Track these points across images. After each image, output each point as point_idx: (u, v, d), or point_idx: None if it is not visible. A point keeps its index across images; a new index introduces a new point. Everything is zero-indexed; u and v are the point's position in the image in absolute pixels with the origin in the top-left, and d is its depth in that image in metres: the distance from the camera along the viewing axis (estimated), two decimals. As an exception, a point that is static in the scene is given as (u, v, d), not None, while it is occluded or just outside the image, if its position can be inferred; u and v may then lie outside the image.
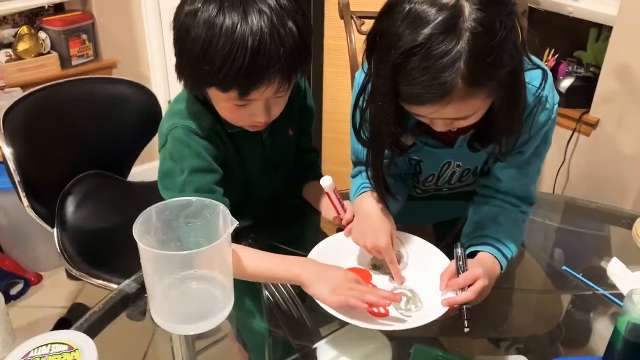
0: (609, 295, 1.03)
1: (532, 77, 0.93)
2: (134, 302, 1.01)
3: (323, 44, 2.23)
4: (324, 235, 1.12)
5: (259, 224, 1.19)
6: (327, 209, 1.14)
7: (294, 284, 0.99)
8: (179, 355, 0.98)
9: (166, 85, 2.63)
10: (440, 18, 0.77)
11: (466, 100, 0.81)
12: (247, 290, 1.02)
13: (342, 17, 1.75)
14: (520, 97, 0.88)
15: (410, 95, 0.82)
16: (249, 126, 1.05)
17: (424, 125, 0.93)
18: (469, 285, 0.91)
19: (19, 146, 1.38)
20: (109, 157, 1.63)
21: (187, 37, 0.92)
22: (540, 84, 0.93)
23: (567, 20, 1.94)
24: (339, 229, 1.11)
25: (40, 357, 0.79)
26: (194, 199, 0.91)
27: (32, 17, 2.26)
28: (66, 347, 0.80)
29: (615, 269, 1.06)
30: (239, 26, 0.88)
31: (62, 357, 0.78)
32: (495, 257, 0.98)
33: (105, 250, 1.45)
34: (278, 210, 1.26)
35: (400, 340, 0.95)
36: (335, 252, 1.05)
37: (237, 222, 0.86)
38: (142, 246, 0.80)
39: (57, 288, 2.12)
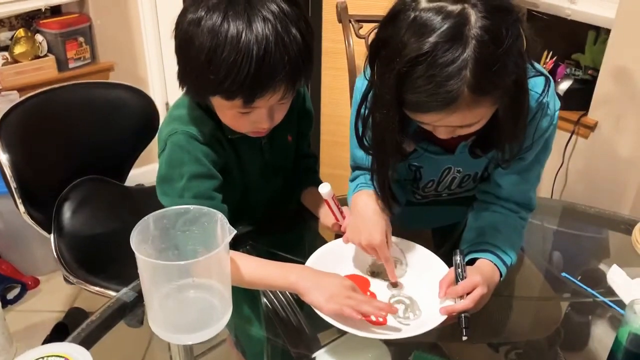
0: (610, 303, 1.03)
1: (535, 84, 0.93)
2: (132, 310, 1.00)
3: (321, 48, 2.22)
4: (323, 241, 1.11)
5: (257, 230, 1.18)
6: (325, 215, 1.14)
7: (291, 292, 0.98)
8: (177, 363, 0.98)
9: (164, 88, 2.63)
10: (445, 26, 0.76)
11: (472, 109, 0.81)
12: (245, 297, 1.02)
13: (340, 21, 1.74)
14: (524, 105, 0.88)
15: (415, 103, 0.82)
16: (252, 132, 1.04)
17: (425, 131, 0.93)
18: (468, 293, 0.91)
19: (15, 152, 1.37)
20: (106, 162, 1.62)
21: (191, 45, 0.91)
22: (543, 91, 0.93)
23: (565, 22, 1.94)
24: (338, 236, 1.10)
25: (37, 371, 0.78)
26: (191, 207, 0.91)
27: (28, 20, 2.25)
28: (62, 360, 0.79)
29: (615, 276, 1.05)
30: (244, 34, 0.88)
31: (58, 370, 0.78)
32: (494, 264, 0.98)
33: (102, 256, 1.44)
34: (276, 216, 1.25)
35: (400, 347, 0.94)
36: (334, 258, 1.05)
37: (235, 231, 0.86)
38: (139, 256, 0.80)
39: (55, 292, 2.11)
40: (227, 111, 0.99)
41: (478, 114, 0.84)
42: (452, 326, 0.90)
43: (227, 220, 0.87)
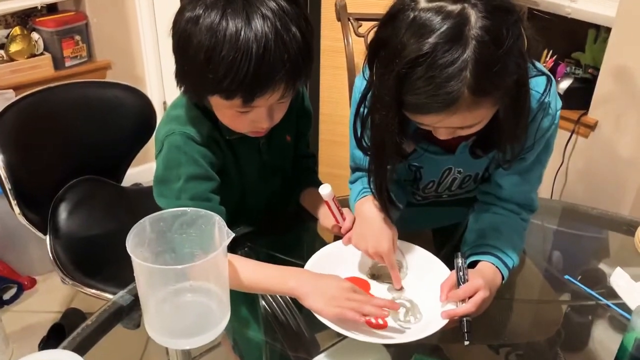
0: (614, 307, 1.02)
1: (537, 84, 0.92)
2: (128, 314, 0.99)
3: (320, 46, 2.22)
4: (322, 243, 1.11)
5: (256, 232, 1.17)
6: (325, 216, 1.12)
7: (291, 296, 0.97)
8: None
9: (161, 87, 2.62)
10: (445, 27, 0.75)
11: (472, 110, 0.80)
12: (243, 299, 1.01)
13: (339, 19, 1.74)
14: (525, 105, 0.87)
15: (415, 105, 0.81)
16: (251, 132, 1.03)
17: (424, 131, 0.91)
18: (470, 297, 0.90)
19: (10, 152, 1.36)
20: (103, 162, 1.61)
21: (189, 44, 0.90)
22: (545, 90, 0.92)
23: (565, 21, 1.93)
24: (337, 237, 1.09)
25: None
26: (188, 209, 0.89)
27: (24, 18, 2.24)
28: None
29: (619, 279, 1.04)
30: (242, 32, 0.86)
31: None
32: (496, 267, 0.97)
33: (99, 258, 1.43)
34: (275, 217, 1.24)
35: (400, 350, 0.93)
36: (333, 260, 1.03)
37: (234, 234, 0.84)
38: (135, 260, 0.78)
39: (51, 293, 2.10)
40: (226, 111, 0.98)
41: (479, 115, 0.83)
42: (453, 329, 0.89)
43: (224, 223, 0.86)
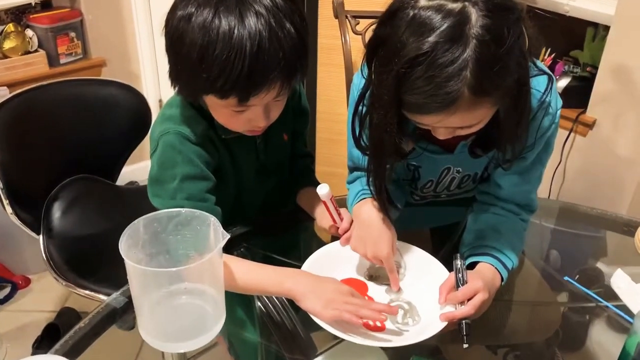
0: (615, 309, 1.02)
1: (537, 83, 0.91)
2: (122, 317, 0.98)
3: (317, 44, 2.21)
4: (319, 243, 1.09)
5: (252, 232, 1.16)
6: (322, 217, 1.12)
7: (287, 297, 0.96)
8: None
9: (157, 85, 2.60)
10: (445, 25, 0.74)
11: (472, 109, 0.79)
12: (239, 300, 1.00)
13: (336, 17, 1.73)
14: (526, 105, 0.86)
15: (414, 104, 0.80)
16: (247, 131, 1.02)
17: (423, 129, 0.90)
18: (469, 299, 0.89)
19: (3, 151, 1.34)
20: (97, 160, 1.59)
21: (182, 43, 0.88)
22: (545, 90, 0.92)
23: (563, 19, 1.93)
24: (334, 237, 1.08)
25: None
26: (183, 209, 0.88)
27: (18, 15, 2.22)
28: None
29: (620, 281, 1.04)
30: (236, 30, 0.85)
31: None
32: (495, 268, 0.96)
33: (93, 258, 1.42)
34: (271, 217, 1.23)
35: (398, 352, 0.92)
36: (331, 261, 1.02)
37: (229, 235, 0.83)
38: (128, 262, 0.77)
39: (46, 292, 2.09)
40: (222, 110, 0.96)
41: (479, 114, 0.82)
42: (452, 330, 0.89)
43: (220, 224, 0.84)
